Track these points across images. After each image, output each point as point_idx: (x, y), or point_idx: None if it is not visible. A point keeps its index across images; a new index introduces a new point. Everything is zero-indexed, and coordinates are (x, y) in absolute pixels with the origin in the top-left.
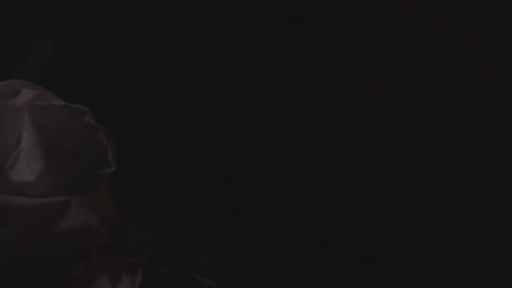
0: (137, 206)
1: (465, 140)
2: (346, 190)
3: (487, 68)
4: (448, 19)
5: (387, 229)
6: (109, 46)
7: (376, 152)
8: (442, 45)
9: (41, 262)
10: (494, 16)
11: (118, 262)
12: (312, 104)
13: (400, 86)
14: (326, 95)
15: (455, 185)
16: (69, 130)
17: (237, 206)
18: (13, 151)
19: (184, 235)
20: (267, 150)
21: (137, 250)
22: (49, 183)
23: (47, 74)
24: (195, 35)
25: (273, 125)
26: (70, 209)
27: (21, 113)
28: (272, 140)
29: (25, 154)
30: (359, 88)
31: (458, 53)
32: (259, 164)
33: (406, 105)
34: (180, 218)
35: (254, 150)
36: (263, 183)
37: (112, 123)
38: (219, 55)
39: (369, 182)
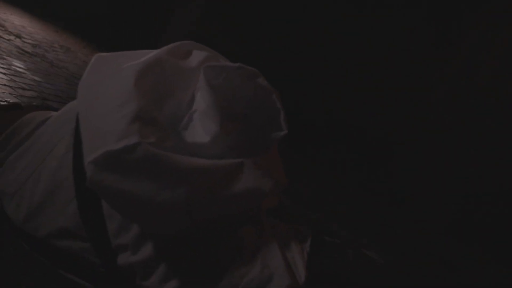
0: None
1: None
2: (487, 168)
3: None
4: None
5: None
6: (248, 15)
7: None
8: None
9: (214, 223)
10: None
11: (287, 228)
12: (452, 81)
13: None
14: (469, 70)
15: None
16: (242, 91)
17: (372, 180)
18: (187, 112)
19: (321, 206)
20: (403, 125)
21: (302, 217)
22: (222, 145)
23: (191, 37)
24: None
25: (410, 101)
26: (243, 172)
27: (194, 73)
28: (409, 116)
29: (200, 114)
30: (505, 63)
31: None
32: (395, 140)
33: None
34: (317, 189)
35: (390, 126)
36: (398, 158)
37: None
38: (360, 23)
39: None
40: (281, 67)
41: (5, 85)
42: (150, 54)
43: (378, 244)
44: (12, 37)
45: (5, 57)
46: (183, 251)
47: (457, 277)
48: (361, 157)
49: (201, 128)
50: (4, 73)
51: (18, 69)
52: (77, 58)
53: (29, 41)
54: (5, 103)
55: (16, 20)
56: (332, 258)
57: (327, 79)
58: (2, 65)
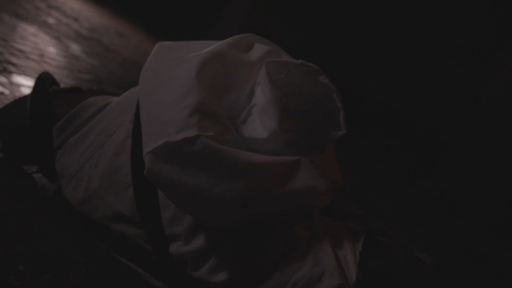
0: None
1: None
2: None
3: None
4: None
5: None
6: (300, 6)
7: None
8: None
9: (267, 219)
10: None
11: (339, 226)
12: (507, 77)
13: None
14: None
15: None
16: (302, 88)
17: (417, 175)
18: (246, 106)
19: (362, 200)
20: (455, 120)
21: (352, 215)
22: (280, 141)
23: (243, 29)
24: None
25: (465, 96)
26: (300, 170)
27: (255, 67)
28: (462, 111)
29: (259, 109)
30: None
31: None
32: (446, 135)
33: None
34: (358, 182)
35: (442, 119)
36: (448, 154)
37: None
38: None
39: None
40: (332, 57)
41: (63, 67)
42: (212, 46)
43: (425, 244)
44: (70, 21)
45: (63, 40)
46: (235, 244)
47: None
48: (408, 150)
49: (259, 123)
50: (63, 56)
51: (75, 52)
52: (131, 43)
53: (86, 25)
54: (66, 86)
55: (74, 4)
56: (385, 260)
57: (380, 68)
58: (60, 48)
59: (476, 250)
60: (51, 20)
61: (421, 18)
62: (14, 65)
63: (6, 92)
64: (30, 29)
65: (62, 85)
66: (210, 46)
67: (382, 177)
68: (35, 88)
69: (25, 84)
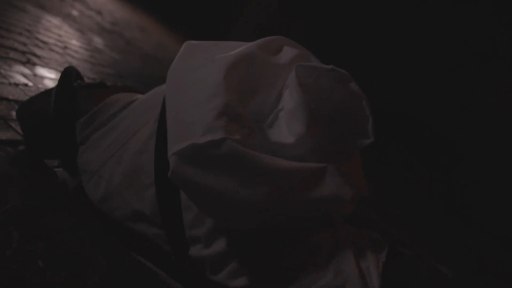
0: None
1: None
2: None
3: None
4: None
5: None
6: (320, 9)
7: None
8: None
9: (289, 225)
10: None
11: (361, 234)
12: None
13: None
14: None
15: None
16: (331, 94)
17: (429, 181)
18: (273, 109)
19: (373, 207)
20: (459, 120)
21: (379, 226)
22: (307, 147)
23: (263, 29)
24: None
25: (469, 95)
26: (326, 177)
27: (283, 70)
28: (470, 113)
29: (286, 113)
30: None
31: None
32: (449, 135)
33: None
34: (369, 188)
35: (445, 120)
36: (459, 159)
37: None
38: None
39: None
40: (351, 59)
41: (86, 60)
42: (241, 48)
43: (426, 244)
44: (93, 14)
45: (86, 32)
46: (256, 250)
47: None
48: (411, 151)
49: (286, 128)
50: (85, 49)
51: (97, 45)
52: (152, 38)
53: (109, 18)
54: (91, 81)
55: None
56: (407, 271)
57: (382, 68)
58: (83, 41)
59: (491, 260)
60: (75, 13)
61: (424, 16)
62: (38, 56)
63: (30, 84)
64: (54, 21)
65: (85, 79)
66: (238, 47)
67: (385, 178)
68: (61, 81)
69: (48, 76)
